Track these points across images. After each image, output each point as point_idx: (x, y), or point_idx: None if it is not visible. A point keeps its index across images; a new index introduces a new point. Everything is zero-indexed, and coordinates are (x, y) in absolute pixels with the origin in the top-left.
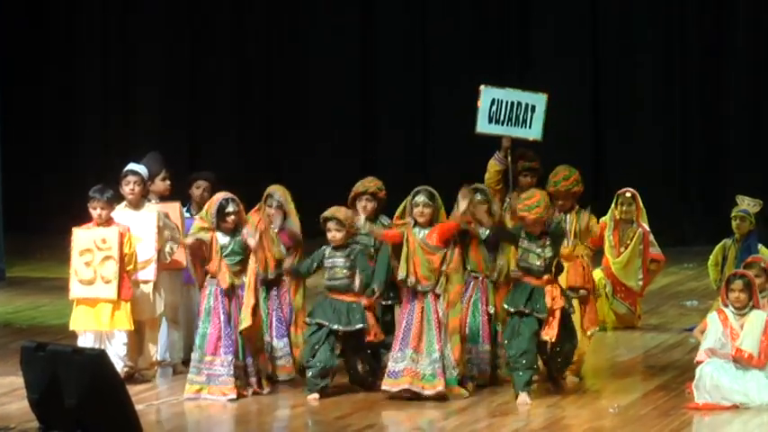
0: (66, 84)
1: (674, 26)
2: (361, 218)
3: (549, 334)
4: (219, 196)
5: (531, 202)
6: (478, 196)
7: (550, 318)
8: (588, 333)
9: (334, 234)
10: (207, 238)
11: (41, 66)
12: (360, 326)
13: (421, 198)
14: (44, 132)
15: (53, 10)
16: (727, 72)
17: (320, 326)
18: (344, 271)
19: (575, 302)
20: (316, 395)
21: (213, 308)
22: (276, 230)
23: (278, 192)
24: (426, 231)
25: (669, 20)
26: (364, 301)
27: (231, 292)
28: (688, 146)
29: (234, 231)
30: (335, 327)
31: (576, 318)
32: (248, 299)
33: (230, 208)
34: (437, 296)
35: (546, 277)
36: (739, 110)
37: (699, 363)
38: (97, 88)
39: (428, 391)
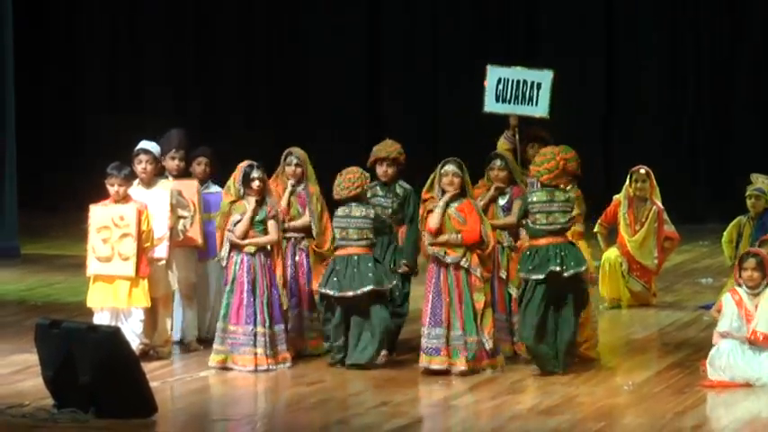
0: (67, 83)
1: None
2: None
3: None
4: (243, 164)
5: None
6: (498, 163)
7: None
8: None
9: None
10: (248, 218)
11: (48, 56)
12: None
13: (450, 167)
14: (54, 115)
15: (53, 10)
16: (737, 51)
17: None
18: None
19: None
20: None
21: (238, 277)
22: (296, 191)
23: (298, 150)
24: (457, 204)
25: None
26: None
27: (257, 260)
28: (698, 122)
29: (260, 199)
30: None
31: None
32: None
33: (255, 174)
34: (466, 271)
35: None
36: (750, 86)
37: (716, 344)
38: (100, 87)
39: (455, 368)
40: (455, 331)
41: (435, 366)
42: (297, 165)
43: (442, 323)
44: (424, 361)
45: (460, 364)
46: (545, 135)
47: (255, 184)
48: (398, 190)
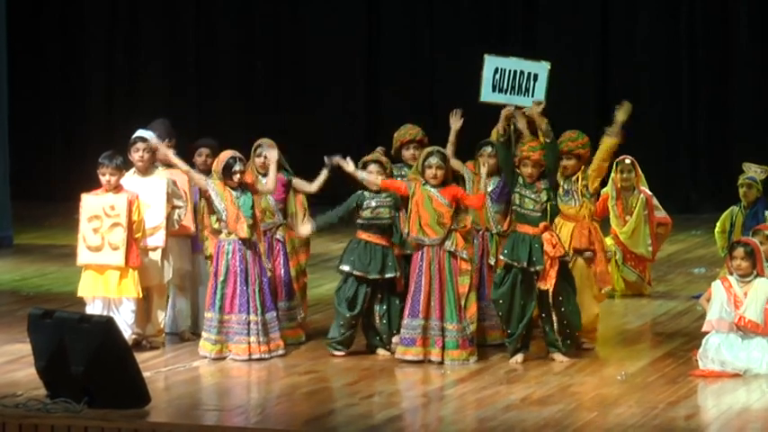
0: (69, 61)
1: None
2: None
3: (547, 284)
4: (227, 154)
5: (535, 144)
6: (488, 149)
7: (548, 267)
8: (602, 291)
9: (378, 177)
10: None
11: (43, 44)
12: (393, 274)
13: (434, 160)
14: (48, 104)
15: (49, 11)
16: (734, 38)
17: (356, 277)
18: (390, 212)
19: (581, 263)
20: (342, 352)
21: (231, 265)
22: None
23: (266, 142)
24: (440, 188)
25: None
26: (396, 250)
27: (249, 246)
28: (695, 111)
29: (242, 189)
30: (374, 276)
31: (581, 279)
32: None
33: (237, 167)
34: (450, 255)
35: (542, 224)
36: (744, 74)
37: (706, 332)
38: (101, 64)
39: (431, 358)
40: (432, 321)
41: (409, 357)
42: (266, 156)
43: (419, 314)
44: (399, 352)
45: (435, 354)
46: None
47: (236, 177)
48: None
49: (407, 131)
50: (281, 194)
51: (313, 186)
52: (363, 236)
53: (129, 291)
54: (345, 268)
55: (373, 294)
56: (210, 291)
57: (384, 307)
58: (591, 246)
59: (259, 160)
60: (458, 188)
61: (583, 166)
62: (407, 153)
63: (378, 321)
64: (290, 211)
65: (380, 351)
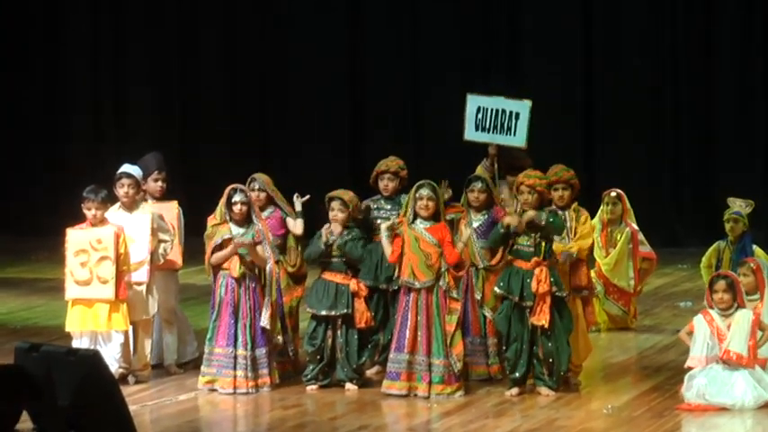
0: (52, 83)
1: (665, 27)
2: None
3: (541, 319)
4: (229, 187)
5: (533, 173)
6: (478, 185)
7: (540, 302)
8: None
9: (337, 214)
10: (228, 252)
11: (26, 64)
12: (344, 311)
13: (425, 192)
14: (30, 132)
15: (38, 7)
16: (717, 71)
17: (312, 314)
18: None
19: (578, 303)
20: (314, 386)
21: (223, 299)
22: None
23: (261, 176)
24: (428, 224)
25: (659, 19)
26: (352, 286)
27: (242, 283)
28: (678, 146)
29: (247, 222)
30: (323, 312)
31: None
32: (269, 305)
33: (237, 198)
34: (438, 293)
35: (534, 260)
36: (727, 109)
37: (690, 368)
38: (85, 87)
39: (417, 392)
40: (419, 356)
41: (394, 391)
42: (260, 189)
43: (404, 348)
44: (384, 386)
45: (422, 390)
46: (525, 164)
47: (237, 207)
48: (403, 202)
49: (384, 162)
50: (279, 230)
51: (297, 229)
52: (324, 273)
53: (119, 324)
54: (305, 306)
55: (333, 330)
56: (209, 323)
57: (342, 341)
58: (588, 285)
59: (253, 194)
60: (446, 231)
61: (576, 203)
62: (381, 184)
63: (339, 356)
64: (288, 246)
65: (348, 385)
